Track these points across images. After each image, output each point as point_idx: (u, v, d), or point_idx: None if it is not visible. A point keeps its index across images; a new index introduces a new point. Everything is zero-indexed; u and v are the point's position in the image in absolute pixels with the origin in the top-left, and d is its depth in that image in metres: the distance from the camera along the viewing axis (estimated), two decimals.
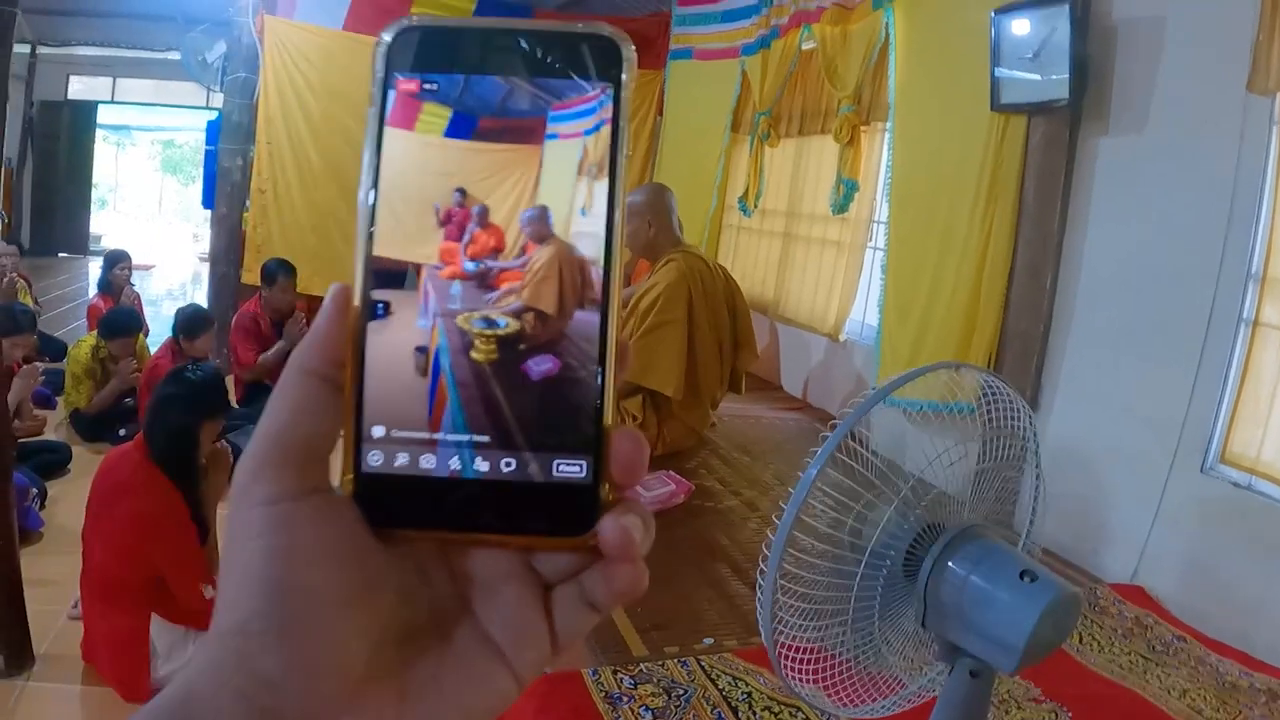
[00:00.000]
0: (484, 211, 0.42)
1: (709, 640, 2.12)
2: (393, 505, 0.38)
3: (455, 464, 0.39)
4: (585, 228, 0.39)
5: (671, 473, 2.95)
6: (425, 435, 0.39)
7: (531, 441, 0.39)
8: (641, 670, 2.03)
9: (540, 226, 0.41)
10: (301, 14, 7.26)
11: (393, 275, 0.41)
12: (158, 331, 7.11)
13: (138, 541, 3.01)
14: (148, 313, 6.44)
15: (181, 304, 6.82)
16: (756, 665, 2.16)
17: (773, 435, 3.88)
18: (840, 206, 4.84)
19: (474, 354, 0.40)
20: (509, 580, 0.40)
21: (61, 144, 13.78)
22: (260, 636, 0.36)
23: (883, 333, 4.07)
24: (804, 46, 5.35)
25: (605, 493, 0.38)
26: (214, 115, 8.83)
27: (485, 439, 0.39)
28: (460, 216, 0.42)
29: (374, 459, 0.39)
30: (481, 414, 0.39)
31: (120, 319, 5.69)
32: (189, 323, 5.37)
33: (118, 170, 20.34)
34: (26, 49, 12.67)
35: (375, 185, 0.39)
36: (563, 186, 0.40)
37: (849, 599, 1.46)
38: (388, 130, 0.39)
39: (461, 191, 0.42)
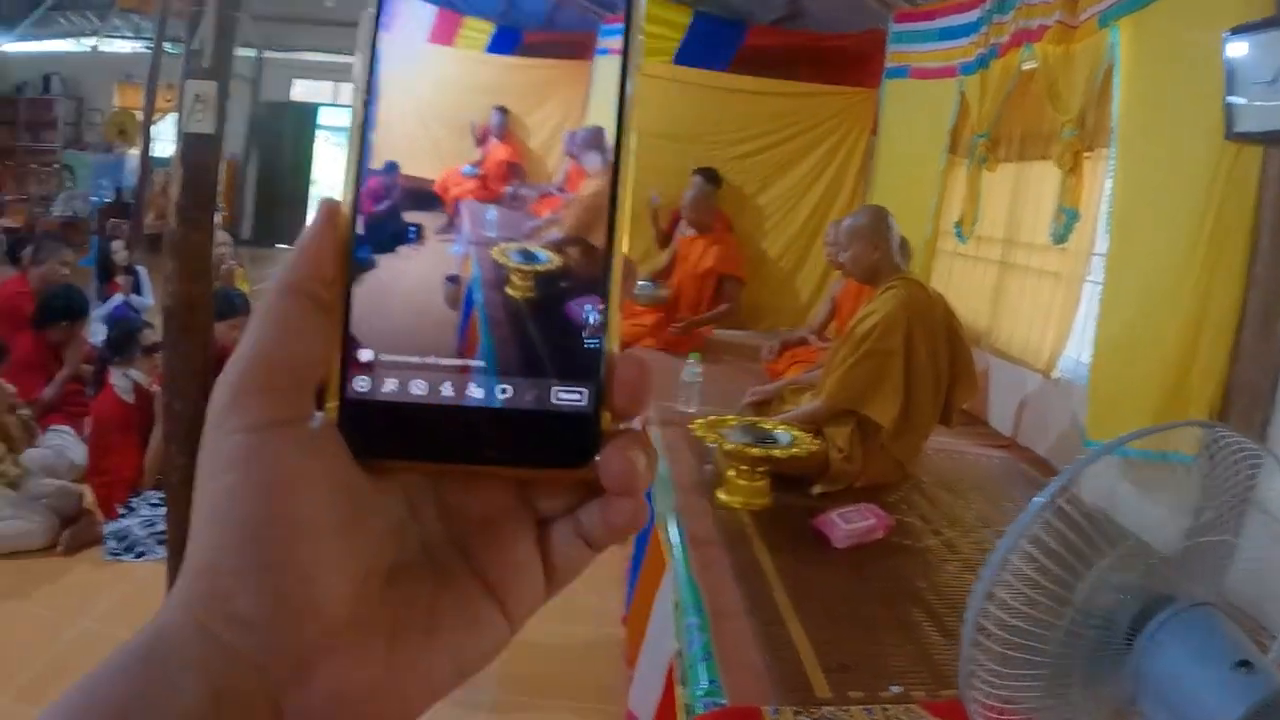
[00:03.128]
0: (503, 124, 0.35)
1: (897, 688, 1.95)
2: (381, 434, 0.36)
3: (449, 390, 0.36)
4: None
5: (874, 506, 2.78)
6: (418, 360, 0.36)
7: (530, 367, 0.36)
8: (824, 715, 1.89)
9: (594, 150, 0.37)
10: None
11: (418, 195, 0.38)
12: None
13: None
14: None
15: None
16: None
17: (976, 473, 3.64)
18: (1060, 236, 4.55)
19: (493, 285, 0.37)
20: (503, 516, 0.38)
21: (284, 143, 14.76)
22: (235, 575, 0.33)
23: (1093, 372, 3.78)
24: (1025, 66, 5.04)
25: (606, 421, 0.36)
26: None
27: (480, 364, 0.36)
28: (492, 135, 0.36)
29: (361, 385, 0.36)
30: (477, 338, 0.37)
31: None
32: None
33: (336, 169, 21.37)
34: (253, 53, 13.54)
35: (369, 91, 0.36)
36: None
37: (1050, 662, 1.29)
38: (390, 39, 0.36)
39: (502, 110, 0.40)
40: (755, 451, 2.83)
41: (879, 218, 3.35)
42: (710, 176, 6.73)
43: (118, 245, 7.32)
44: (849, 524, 2.67)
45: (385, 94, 0.36)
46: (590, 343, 0.36)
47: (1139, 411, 3.23)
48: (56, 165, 13.28)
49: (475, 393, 0.36)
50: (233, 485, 0.34)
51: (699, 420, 3.06)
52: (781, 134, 7.07)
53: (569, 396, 0.36)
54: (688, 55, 7.08)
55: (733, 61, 7.18)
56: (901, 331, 3.09)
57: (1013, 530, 1.28)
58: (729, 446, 2.85)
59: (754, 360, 4.99)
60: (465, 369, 0.36)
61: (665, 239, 6.75)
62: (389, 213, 0.37)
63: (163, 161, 13.97)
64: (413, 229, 0.38)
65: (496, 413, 0.36)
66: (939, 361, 3.19)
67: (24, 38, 13.43)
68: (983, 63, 5.51)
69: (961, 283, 5.93)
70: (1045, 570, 1.29)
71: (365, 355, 0.36)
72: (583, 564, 0.39)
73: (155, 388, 4.27)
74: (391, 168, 0.37)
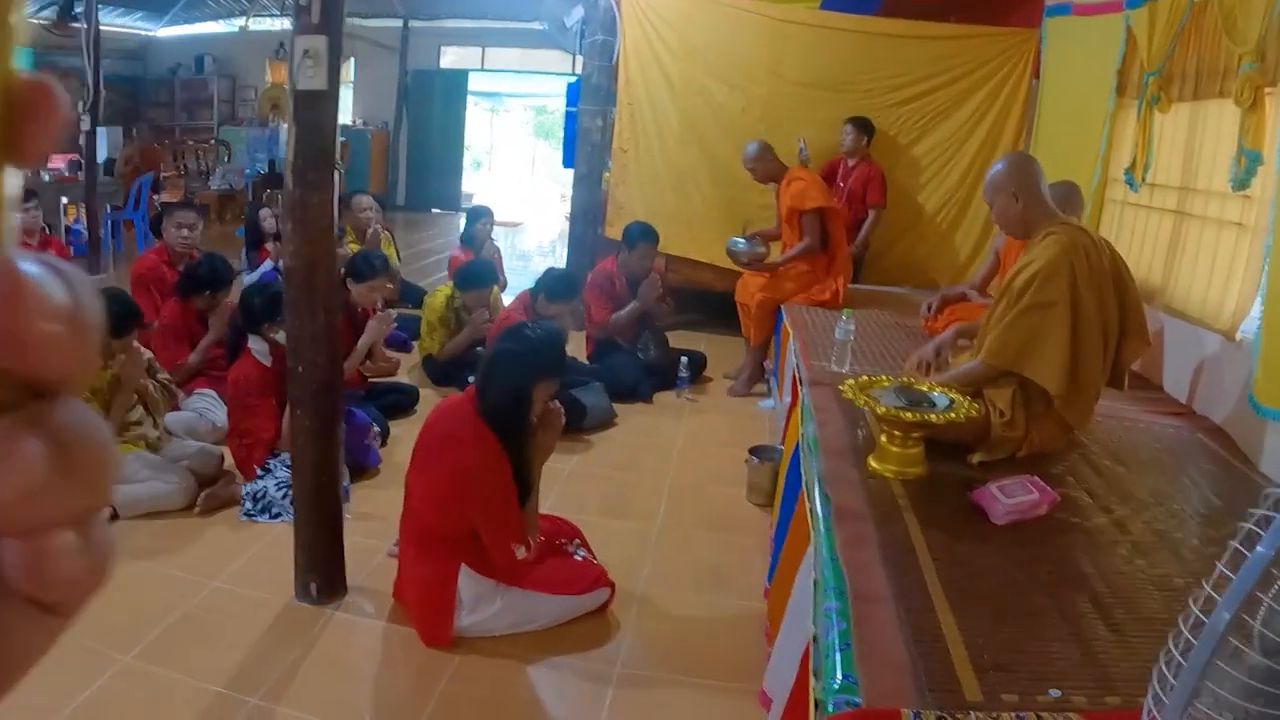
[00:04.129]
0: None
1: (1055, 693, 1.71)
2: None
3: None
4: None
5: (1036, 479, 2.53)
6: None
7: None
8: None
9: None
10: None
11: None
12: (516, 286, 7.39)
13: (456, 494, 3.01)
14: (514, 268, 6.60)
15: (550, 262, 7.02)
16: None
17: (1150, 444, 3.30)
18: (1241, 182, 4.14)
19: None
20: None
21: (434, 110, 14.93)
22: None
23: (1262, 333, 3.42)
24: None
25: None
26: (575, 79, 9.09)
27: None
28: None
29: None
30: None
31: (476, 271, 5.87)
32: (552, 284, 5.42)
33: (492, 135, 21.62)
34: (399, 23, 13.70)
35: None
36: None
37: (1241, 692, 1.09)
38: None
39: None
40: (909, 416, 2.62)
41: (1016, 166, 3.05)
42: (863, 125, 6.48)
43: (265, 213, 7.48)
44: (1010, 498, 2.44)
45: None
46: None
47: None
48: (212, 141, 13.74)
49: None
50: None
51: (849, 381, 2.86)
52: (937, 79, 6.71)
53: None
54: (835, 0, 6.78)
55: (882, 5, 6.83)
56: (1065, 280, 2.81)
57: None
58: (881, 410, 2.66)
59: (912, 317, 4.74)
60: None
61: None
62: None
63: None
64: None
65: None
66: (1107, 313, 2.90)
67: (175, 22, 13.92)
68: None
69: (1133, 234, 5.50)
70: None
71: None
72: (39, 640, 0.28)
73: None
74: None
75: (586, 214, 7.70)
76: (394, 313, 5.22)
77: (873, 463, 2.72)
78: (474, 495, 3.00)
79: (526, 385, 3.05)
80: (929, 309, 4.63)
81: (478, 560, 3.10)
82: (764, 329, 5.99)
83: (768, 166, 5.73)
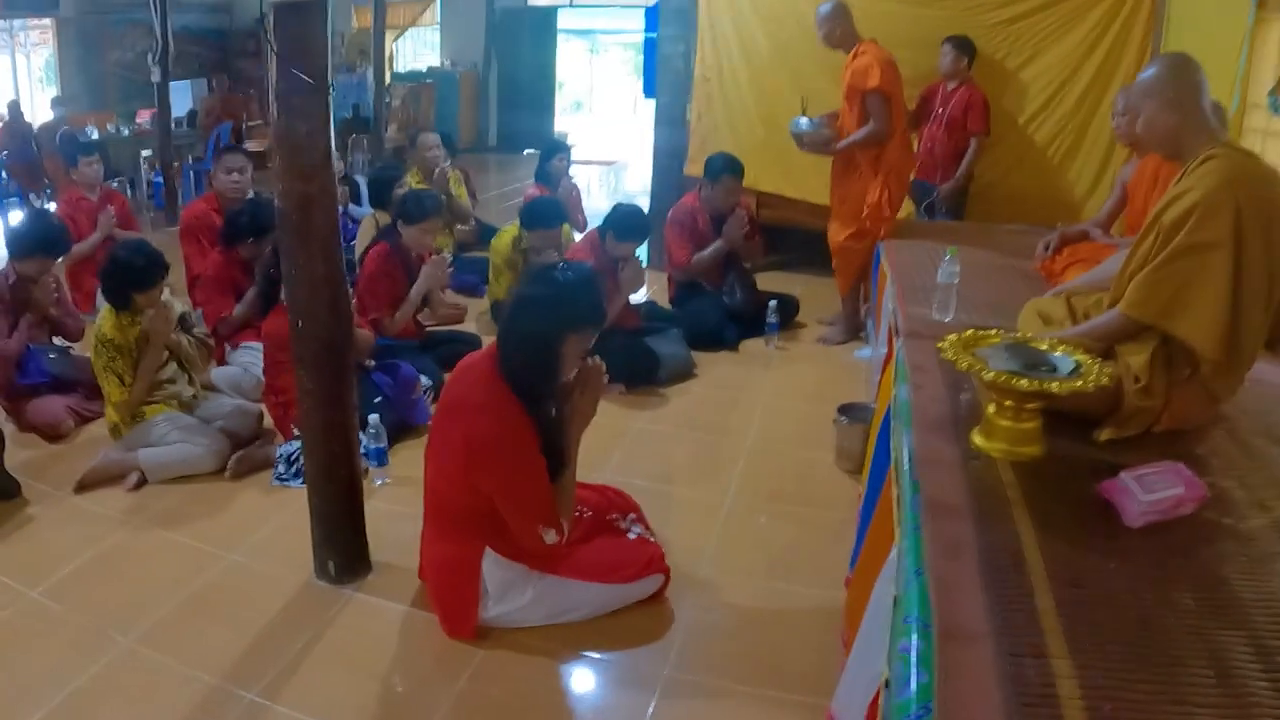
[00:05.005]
0: None
1: None
2: None
3: None
4: None
5: (1182, 467, 1.95)
6: None
7: None
8: None
9: None
10: None
11: None
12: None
13: (470, 468, 2.55)
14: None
15: (649, 202, 6.53)
16: None
17: None
18: None
19: None
20: None
21: (524, 48, 14.55)
22: None
23: None
24: None
25: None
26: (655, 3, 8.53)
27: None
28: None
29: None
30: None
31: (541, 209, 5.40)
32: (621, 221, 4.88)
33: (592, 75, 21.17)
34: None
35: None
36: None
37: None
38: None
39: None
40: (1024, 385, 2.06)
41: (1178, 69, 2.39)
42: (962, 45, 5.78)
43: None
44: (1149, 493, 1.87)
45: None
46: None
47: None
48: None
49: None
50: None
51: (950, 337, 2.31)
52: None
53: None
54: None
55: None
56: (1228, 217, 2.19)
57: None
58: (989, 375, 2.11)
59: (1025, 258, 4.11)
60: None
61: (916, 120, 5.91)
62: None
63: (401, 77, 14.25)
64: None
65: None
66: (1276, 261, 2.28)
67: None
68: None
69: (1277, 166, 4.81)
70: None
71: None
72: None
73: None
74: None
75: (670, 148, 7.14)
76: (449, 256, 4.73)
77: (977, 439, 2.18)
78: (492, 469, 2.54)
79: (555, 338, 2.54)
80: (1046, 248, 3.99)
81: (504, 543, 2.65)
82: (850, 273, 5.40)
83: (840, 29, 5.04)
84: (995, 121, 5.86)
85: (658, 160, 7.38)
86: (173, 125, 9.42)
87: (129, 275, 3.75)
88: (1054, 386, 2.01)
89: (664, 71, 7.12)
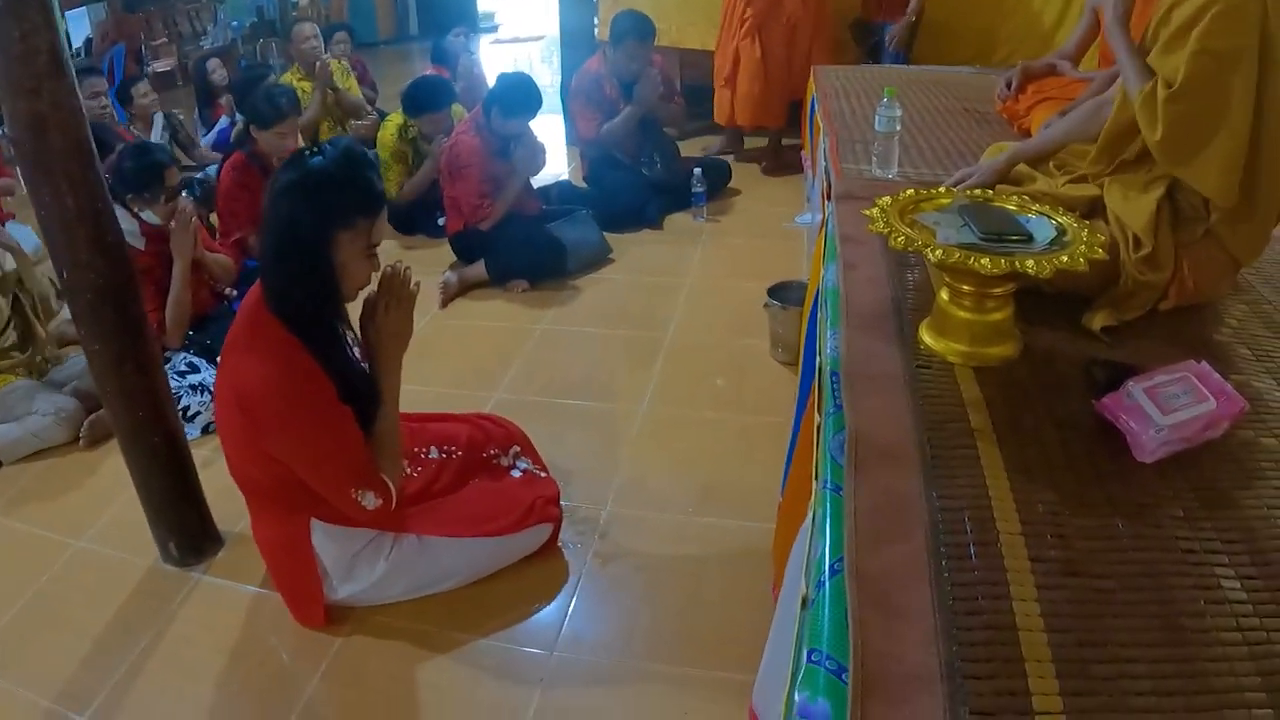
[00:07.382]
0: None
1: None
2: None
3: None
4: None
5: (1207, 368, 1.38)
6: None
7: None
8: None
9: None
10: None
11: None
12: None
13: (248, 428, 1.94)
14: (547, 90, 5.09)
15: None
16: None
17: None
18: None
19: None
20: None
21: None
22: None
23: None
24: None
25: None
26: None
27: None
28: None
29: None
30: None
31: (422, 90, 4.72)
32: (505, 94, 4.17)
33: None
34: None
35: None
36: None
37: None
38: None
39: None
40: (986, 265, 1.48)
41: None
42: None
43: (214, 64, 6.33)
44: (1169, 413, 1.30)
45: None
46: None
47: None
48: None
49: None
50: None
51: (883, 200, 1.71)
52: None
53: None
54: None
55: None
56: (1252, 20, 1.59)
57: None
58: (938, 253, 1.52)
59: (983, 101, 3.46)
60: None
61: None
62: None
63: None
64: None
65: None
66: None
67: None
68: None
69: None
70: None
71: None
72: None
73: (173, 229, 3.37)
74: None
75: (580, 10, 6.38)
76: (190, 205, 3.81)
77: (926, 337, 1.60)
78: (274, 429, 1.92)
79: (320, 240, 1.88)
80: (1007, 86, 3.35)
81: (332, 510, 2.06)
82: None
83: None
84: None
85: (564, 24, 6.63)
86: (70, 55, 8.52)
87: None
88: (1029, 264, 1.42)
89: None
